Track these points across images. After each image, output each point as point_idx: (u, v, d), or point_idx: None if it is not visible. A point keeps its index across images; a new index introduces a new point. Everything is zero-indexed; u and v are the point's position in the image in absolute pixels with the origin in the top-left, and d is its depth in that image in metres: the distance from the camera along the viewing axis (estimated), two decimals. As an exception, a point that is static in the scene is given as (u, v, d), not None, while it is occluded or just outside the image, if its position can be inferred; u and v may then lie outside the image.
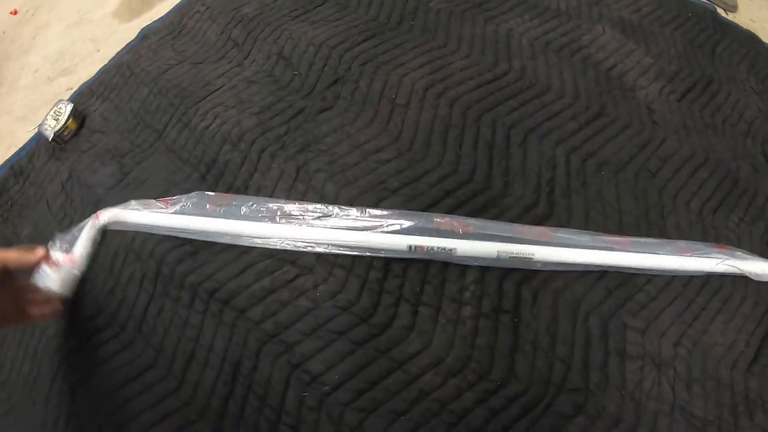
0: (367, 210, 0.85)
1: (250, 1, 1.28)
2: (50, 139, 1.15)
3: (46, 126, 1.16)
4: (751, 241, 0.95)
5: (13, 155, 1.26)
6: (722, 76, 1.23)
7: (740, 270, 0.87)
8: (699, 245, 0.89)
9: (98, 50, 1.48)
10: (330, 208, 0.86)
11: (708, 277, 0.87)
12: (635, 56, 1.21)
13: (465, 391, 0.75)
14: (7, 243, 1.08)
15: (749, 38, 1.40)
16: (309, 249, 0.83)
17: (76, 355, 0.87)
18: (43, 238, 0.99)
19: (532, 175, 0.94)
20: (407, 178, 0.91)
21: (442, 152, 0.95)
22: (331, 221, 0.85)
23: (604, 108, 1.06)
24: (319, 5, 1.24)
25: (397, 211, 0.85)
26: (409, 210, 0.86)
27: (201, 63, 1.19)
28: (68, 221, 1.03)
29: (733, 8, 1.64)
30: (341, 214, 0.85)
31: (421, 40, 1.15)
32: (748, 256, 0.90)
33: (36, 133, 1.24)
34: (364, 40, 1.13)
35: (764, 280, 0.89)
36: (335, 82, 1.07)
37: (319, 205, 0.87)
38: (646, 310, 0.83)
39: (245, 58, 1.17)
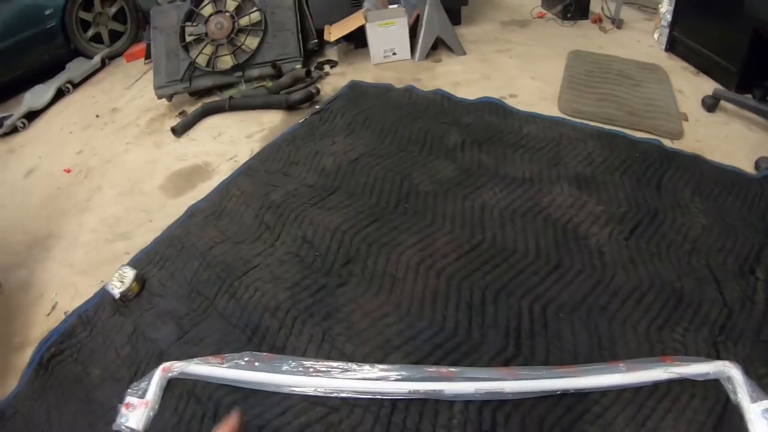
0: (376, 365, 1.14)
1: (276, 189, 1.64)
2: (117, 298, 1.42)
3: (112, 286, 1.43)
4: (697, 346, 1.14)
5: (81, 306, 1.47)
6: (667, 205, 1.46)
7: (682, 375, 1.07)
8: (644, 361, 1.10)
9: (150, 221, 1.75)
10: (349, 365, 1.14)
11: (656, 385, 1.07)
12: (588, 207, 1.49)
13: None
14: (78, 380, 1.27)
15: (694, 161, 1.62)
16: (335, 395, 1.11)
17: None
18: (113, 379, 1.25)
19: (501, 326, 1.21)
20: (407, 337, 1.20)
21: (432, 314, 1.24)
22: (350, 374, 1.13)
23: (561, 259, 1.34)
24: (332, 194, 1.60)
25: (399, 365, 1.13)
26: (409, 362, 1.14)
27: (241, 243, 1.51)
28: (135, 368, 1.26)
29: (678, 135, 1.79)
30: (357, 369, 1.13)
31: (413, 221, 1.48)
32: (691, 362, 1.08)
33: (100, 290, 1.49)
34: (369, 224, 1.47)
35: (709, 378, 1.06)
36: (348, 261, 1.39)
37: (340, 363, 1.15)
38: (602, 419, 1.04)
39: (276, 240, 1.49)
